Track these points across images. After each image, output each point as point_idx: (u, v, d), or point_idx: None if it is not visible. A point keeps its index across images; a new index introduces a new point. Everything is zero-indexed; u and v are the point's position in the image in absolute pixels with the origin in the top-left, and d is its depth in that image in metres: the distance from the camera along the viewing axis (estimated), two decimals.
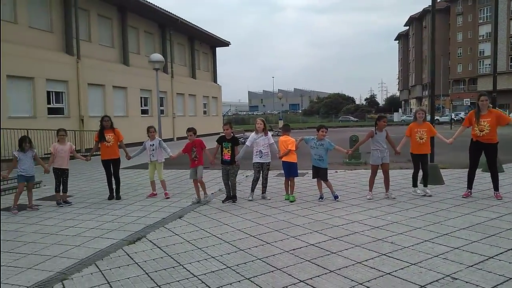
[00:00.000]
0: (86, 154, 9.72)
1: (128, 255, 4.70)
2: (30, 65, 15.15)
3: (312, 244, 4.85)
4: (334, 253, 4.54)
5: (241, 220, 6.13)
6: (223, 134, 7.46)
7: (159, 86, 14.35)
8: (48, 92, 16.38)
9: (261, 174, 7.50)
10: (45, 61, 15.92)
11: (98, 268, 4.34)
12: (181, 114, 27.46)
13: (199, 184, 7.51)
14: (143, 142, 8.21)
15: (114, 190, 8.09)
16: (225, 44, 33.94)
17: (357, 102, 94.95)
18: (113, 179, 8.09)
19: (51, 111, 16.51)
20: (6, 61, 14.04)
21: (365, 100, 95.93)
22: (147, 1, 21.36)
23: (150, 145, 8.03)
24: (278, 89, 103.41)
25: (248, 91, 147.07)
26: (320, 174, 7.28)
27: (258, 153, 7.44)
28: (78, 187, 9.48)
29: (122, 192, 8.31)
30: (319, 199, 7.25)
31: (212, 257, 4.55)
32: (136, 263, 4.43)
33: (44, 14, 16.54)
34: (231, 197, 7.41)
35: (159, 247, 4.96)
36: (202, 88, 30.92)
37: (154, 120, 20.27)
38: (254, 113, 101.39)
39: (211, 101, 32.93)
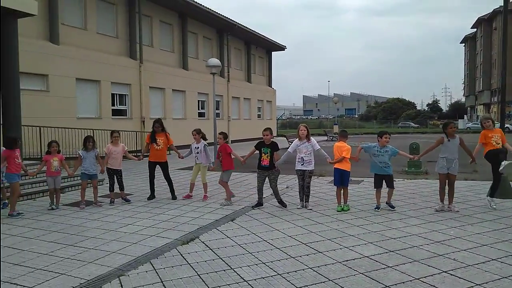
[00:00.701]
0: (138, 154, 10.12)
1: (182, 255, 4.81)
2: (97, 68, 16.16)
3: (367, 256, 4.66)
4: (390, 267, 4.32)
5: (293, 226, 6.05)
6: (262, 140, 7.31)
7: (215, 90, 14.68)
8: (113, 95, 17.35)
9: (304, 182, 7.22)
10: (110, 65, 16.90)
11: (153, 266, 4.48)
12: (236, 118, 27.89)
13: (223, 186, 7.67)
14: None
15: (169, 191, 8.33)
16: (281, 48, 34.01)
17: (418, 108, 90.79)
18: (159, 181, 8.39)
19: (115, 112, 17.48)
20: (76, 65, 15.11)
21: (427, 105, 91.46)
22: (206, 7, 21.97)
23: (195, 147, 8.18)
24: (334, 93, 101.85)
25: (303, 95, 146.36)
26: (386, 181, 6.98)
27: (299, 160, 7.16)
28: (136, 186, 9.91)
29: (178, 192, 8.54)
30: (375, 208, 6.96)
31: (263, 262, 4.52)
32: (189, 264, 4.52)
33: (111, 20, 17.58)
34: (261, 203, 7.33)
35: (211, 249, 5.03)
36: (257, 92, 31.20)
37: (210, 123, 20.79)
38: (309, 117, 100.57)
39: (266, 105, 33.11)
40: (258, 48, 31.82)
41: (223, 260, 4.63)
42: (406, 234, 5.51)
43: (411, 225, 5.97)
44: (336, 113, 61.00)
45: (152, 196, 8.25)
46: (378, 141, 7.04)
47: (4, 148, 6.91)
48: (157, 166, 8.28)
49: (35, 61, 13.13)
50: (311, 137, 7.32)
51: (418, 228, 5.83)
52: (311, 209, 7.10)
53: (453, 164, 6.75)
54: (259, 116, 32.08)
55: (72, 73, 15.03)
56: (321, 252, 4.83)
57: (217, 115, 23.87)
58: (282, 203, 7.33)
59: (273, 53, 34.70)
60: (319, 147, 7.32)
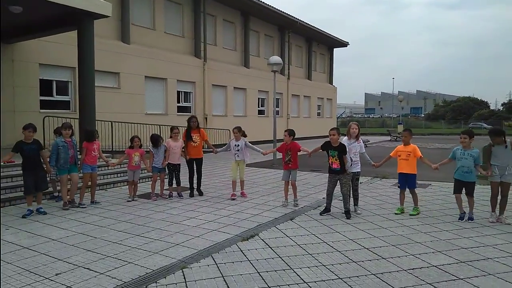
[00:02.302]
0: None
1: (242, 252, 4.87)
2: (164, 67, 16.88)
3: (435, 266, 4.39)
4: (461, 279, 4.04)
5: (354, 229, 5.88)
6: (329, 140, 6.68)
7: (275, 88, 14.68)
8: (178, 92, 18.03)
9: (350, 184, 6.79)
10: (176, 63, 17.56)
11: (214, 260, 4.58)
12: (295, 115, 27.75)
13: (291, 187, 7.43)
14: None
15: (196, 183, 8.41)
16: (343, 44, 33.22)
17: (491, 107, 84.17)
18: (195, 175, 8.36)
19: (180, 109, 18.16)
20: (145, 63, 15.90)
21: (502, 105, 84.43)
22: (268, 5, 22.05)
23: (235, 145, 8.11)
24: (398, 91, 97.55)
25: (365, 93, 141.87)
26: (467, 188, 6.36)
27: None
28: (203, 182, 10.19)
29: (237, 189, 8.59)
30: (459, 219, 6.37)
31: (323, 265, 4.44)
32: (249, 261, 4.56)
33: (177, 20, 18.25)
34: (328, 209, 6.83)
35: (270, 247, 5.03)
36: (317, 90, 30.77)
37: (270, 120, 20.87)
38: (370, 116, 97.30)
39: (326, 102, 32.57)
40: (320, 45, 31.34)
41: (282, 259, 4.61)
42: (480, 245, 5.12)
43: (486, 235, 5.54)
44: (400, 112, 58.42)
45: (192, 193, 8.33)
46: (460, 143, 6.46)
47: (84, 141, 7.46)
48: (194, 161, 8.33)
49: (108, 59, 14.00)
50: (360, 138, 7.00)
51: (494, 238, 5.39)
52: (360, 213, 6.77)
53: (506, 171, 6.10)
54: (318, 114, 31.64)
55: (141, 71, 15.84)
56: (384, 258, 4.64)
57: (277, 112, 23.93)
58: (347, 214, 6.57)
59: (334, 49, 34.00)
60: (364, 150, 6.99)
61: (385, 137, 33.04)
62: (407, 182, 6.75)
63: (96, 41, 9.85)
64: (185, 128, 8.43)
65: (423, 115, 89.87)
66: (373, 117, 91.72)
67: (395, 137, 29.27)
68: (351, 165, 6.67)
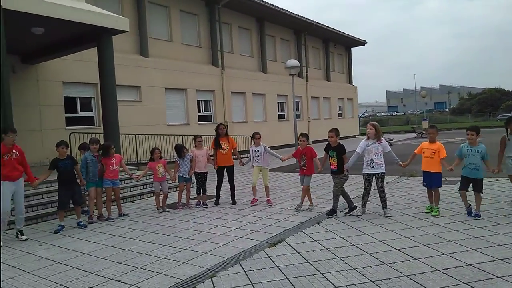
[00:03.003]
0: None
1: (270, 258, 4.83)
2: (183, 77, 17.10)
3: (470, 265, 4.24)
4: (500, 277, 3.88)
5: (383, 230, 5.75)
6: (329, 142, 6.88)
7: (294, 91, 14.63)
8: (198, 101, 18.21)
9: (371, 187, 6.73)
10: (195, 73, 17.76)
11: (242, 268, 4.56)
12: (316, 118, 27.56)
13: (306, 191, 7.38)
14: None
15: (230, 195, 8.34)
16: (361, 43, 32.87)
17: None
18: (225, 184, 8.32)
19: (201, 118, 18.33)
20: (164, 75, 16.15)
21: None
22: (283, 9, 22.06)
23: (255, 150, 8.06)
24: (421, 87, 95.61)
25: (386, 91, 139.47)
26: (474, 185, 6.17)
27: (369, 162, 6.58)
28: (224, 188, 10.21)
29: (261, 195, 8.58)
30: (468, 214, 6.22)
31: (353, 268, 4.35)
32: (277, 267, 4.52)
33: (194, 31, 18.48)
34: (352, 207, 6.85)
35: (298, 252, 4.98)
36: (337, 90, 30.50)
37: (290, 124, 20.78)
38: (393, 114, 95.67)
39: (347, 103, 32.22)
40: (337, 45, 31.11)
41: (311, 264, 4.55)
42: None
43: None
44: (424, 107, 57.25)
45: (218, 202, 8.30)
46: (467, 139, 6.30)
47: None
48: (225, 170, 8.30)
49: (128, 74, 14.29)
50: (382, 138, 6.78)
51: None
52: (390, 216, 6.54)
53: None
54: (340, 115, 31.32)
55: (161, 83, 16.10)
56: (416, 259, 4.51)
57: (297, 116, 23.82)
58: (332, 212, 6.78)
59: (352, 49, 33.67)
60: (390, 149, 6.78)
61: (409, 135, 32.38)
62: (431, 180, 6.55)
63: (116, 56, 10.07)
64: (213, 136, 8.46)
65: (448, 110, 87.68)
66: (396, 114, 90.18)
67: (420, 134, 28.65)
68: (351, 165, 6.72)
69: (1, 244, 5.41)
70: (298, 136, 7.66)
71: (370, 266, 4.37)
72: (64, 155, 6.84)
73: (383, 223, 6.14)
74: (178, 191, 8.24)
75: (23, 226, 6.40)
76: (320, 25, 26.07)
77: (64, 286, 4.31)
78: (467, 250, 4.68)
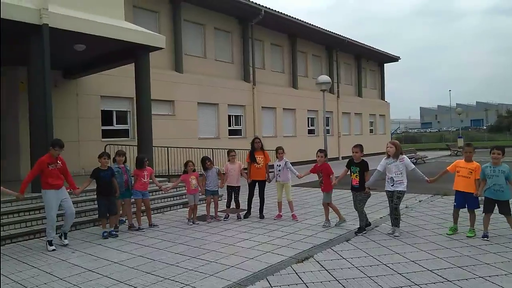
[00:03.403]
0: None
1: (297, 274, 4.79)
2: (215, 92, 17.43)
3: None
4: None
5: (415, 250, 5.58)
6: (352, 158, 6.82)
7: (325, 106, 14.58)
8: (229, 116, 18.47)
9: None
10: (227, 88, 18.07)
11: (269, 283, 4.54)
12: (346, 133, 27.24)
13: (328, 207, 7.36)
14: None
15: (259, 209, 8.30)
16: (394, 59, 32.42)
17: None
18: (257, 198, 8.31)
19: (231, 132, 18.54)
20: (197, 91, 16.52)
21: None
22: (315, 26, 22.18)
23: (277, 165, 8.02)
24: (456, 103, 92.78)
25: (420, 107, 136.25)
26: (500, 207, 5.93)
27: (389, 180, 6.49)
28: (254, 202, 10.23)
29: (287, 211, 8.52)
30: (483, 237, 6.00)
31: None
32: (304, 283, 4.47)
33: (227, 48, 18.86)
34: (364, 228, 6.72)
35: (326, 270, 4.90)
36: (368, 106, 30.11)
37: (320, 139, 20.63)
38: (427, 131, 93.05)
39: (378, 119, 31.69)
40: (369, 61, 30.83)
41: (339, 282, 4.47)
42: None
43: None
44: (459, 125, 55.38)
45: (248, 214, 8.31)
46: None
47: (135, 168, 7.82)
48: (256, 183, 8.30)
49: (163, 89, 14.71)
50: (404, 156, 6.61)
51: None
52: (398, 235, 6.35)
53: None
54: (371, 131, 30.82)
55: (194, 98, 16.46)
56: (450, 281, 4.34)
57: (327, 131, 23.61)
58: (360, 229, 6.66)
59: (385, 65, 33.26)
60: (414, 166, 6.58)
61: (444, 152, 31.39)
62: (466, 201, 6.28)
63: (152, 72, 10.41)
64: (243, 150, 8.52)
65: (485, 127, 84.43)
66: (430, 131, 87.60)
67: (455, 152, 27.71)
68: (372, 183, 6.64)
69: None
70: (316, 152, 7.57)
71: (401, 287, 4.25)
72: (105, 166, 7.13)
73: (415, 242, 5.96)
74: (206, 204, 8.32)
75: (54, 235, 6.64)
76: (353, 41, 25.98)
77: None
78: (504, 274, 4.47)
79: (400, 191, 6.44)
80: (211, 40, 17.81)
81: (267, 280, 4.64)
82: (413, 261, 5.09)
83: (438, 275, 4.56)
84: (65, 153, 6.72)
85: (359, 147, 6.81)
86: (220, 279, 4.71)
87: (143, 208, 7.74)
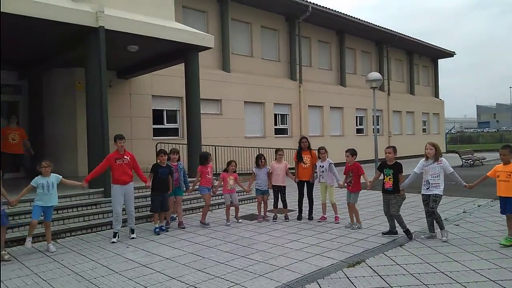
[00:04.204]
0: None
1: (348, 279, 4.65)
2: (261, 91, 17.44)
3: None
4: None
5: (476, 258, 5.24)
6: (385, 160, 6.62)
7: (375, 105, 14.14)
8: (275, 115, 18.41)
9: (428, 208, 6.27)
10: (273, 87, 18.02)
11: (320, 286, 4.44)
12: (397, 133, 26.27)
13: (352, 208, 7.22)
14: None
15: (308, 211, 8.19)
16: (449, 54, 30.81)
17: None
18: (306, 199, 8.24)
19: (277, 131, 18.47)
20: (244, 90, 16.61)
21: None
22: (365, 21, 21.57)
23: (320, 166, 7.82)
24: None
25: (477, 105, 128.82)
26: None
27: (425, 183, 6.26)
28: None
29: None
30: None
31: None
32: None
33: (273, 46, 18.80)
34: (394, 232, 6.50)
35: (379, 275, 4.72)
36: (421, 105, 28.85)
37: (369, 139, 20.05)
38: (484, 130, 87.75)
39: (432, 118, 30.28)
40: (422, 57, 29.51)
41: None
42: None
43: None
44: None
45: (300, 216, 8.19)
46: None
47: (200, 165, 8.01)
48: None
49: (211, 88, 14.93)
50: (442, 158, 6.28)
51: None
52: (446, 239, 6.10)
53: None
54: (424, 130, 29.51)
55: (241, 97, 16.57)
56: None
57: (377, 130, 22.91)
58: (407, 233, 6.38)
59: (439, 61, 31.71)
60: (452, 169, 6.21)
61: None
62: (507, 205, 5.84)
63: (200, 71, 10.58)
64: (289, 149, 8.47)
65: None
66: (488, 131, 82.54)
67: None
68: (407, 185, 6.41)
69: (3, 251, 5.77)
70: (345, 152, 7.35)
71: None
72: (164, 162, 7.39)
73: (475, 250, 5.60)
74: (257, 203, 8.31)
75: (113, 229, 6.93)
76: (404, 36, 25.00)
77: None
78: None
79: (436, 194, 6.18)
80: (257, 38, 17.83)
81: (318, 283, 4.54)
82: (473, 270, 4.78)
83: (502, 286, 4.24)
84: None
85: (393, 148, 6.61)
86: (269, 280, 4.67)
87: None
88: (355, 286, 4.41)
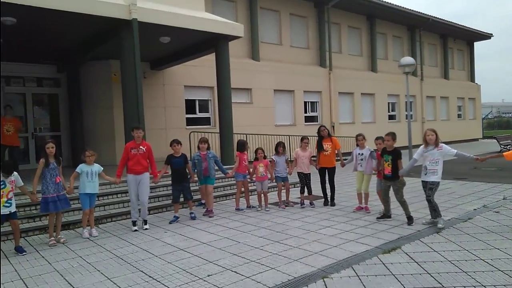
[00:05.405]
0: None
1: (384, 265, 4.64)
2: (291, 79, 17.35)
3: None
4: None
5: None
6: (385, 146, 6.68)
7: (408, 90, 13.79)
8: (305, 102, 18.29)
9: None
10: (303, 75, 17.88)
11: (355, 272, 4.46)
12: (431, 119, 25.52)
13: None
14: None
15: (330, 197, 8.25)
16: (486, 37, 29.45)
17: None
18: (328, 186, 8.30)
19: (307, 119, 18.37)
20: (273, 78, 16.58)
21: None
22: (396, 5, 20.93)
23: (359, 153, 7.62)
24: None
25: None
26: None
27: (423, 168, 6.23)
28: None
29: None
30: None
31: (483, 285, 3.94)
32: (393, 275, 4.32)
33: (302, 33, 18.59)
34: (388, 215, 6.74)
35: (416, 262, 4.68)
36: (456, 89, 27.84)
37: (402, 125, 19.63)
38: None
39: (468, 103, 29.20)
40: (457, 41, 28.39)
41: (432, 275, 4.25)
42: None
43: None
44: None
45: (326, 202, 8.26)
46: None
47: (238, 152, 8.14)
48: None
49: (241, 77, 14.98)
50: (442, 144, 6.17)
51: None
52: (442, 227, 6.04)
53: None
54: (459, 116, 28.54)
55: (270, 86, 16.56)
56: None
57: (410, 116, 22.36)
58: (409, 219, 6.45)
59: (475, 43, 30.41)
60: (456, 150, 6.16)
61: None
62: None
63: (231, 61, 10.65)
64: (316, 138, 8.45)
65: None
66: None
67: None
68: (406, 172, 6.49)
69: (59, 235, 6.10)
70: (384, 136, 6.97)
71: (504, 285, 3.92)
72: (178, 152, 7.40)
73: None
74: (277, 191, 8.35)
75: (148, 215, 7.12)
76: (438, 20, 24.08)
77: (187, 272, 4.71)
78: None
79: (433, 182, 6.14)
80: (286, 26, 17.67)
81: (353, 268, 4.56)
82: None
83: None
84: (154, 140, 7.17)
85: (391, 135, 6.63)
86: (304, 265, 4.74)
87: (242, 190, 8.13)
88: (391, 272, 4.41)
